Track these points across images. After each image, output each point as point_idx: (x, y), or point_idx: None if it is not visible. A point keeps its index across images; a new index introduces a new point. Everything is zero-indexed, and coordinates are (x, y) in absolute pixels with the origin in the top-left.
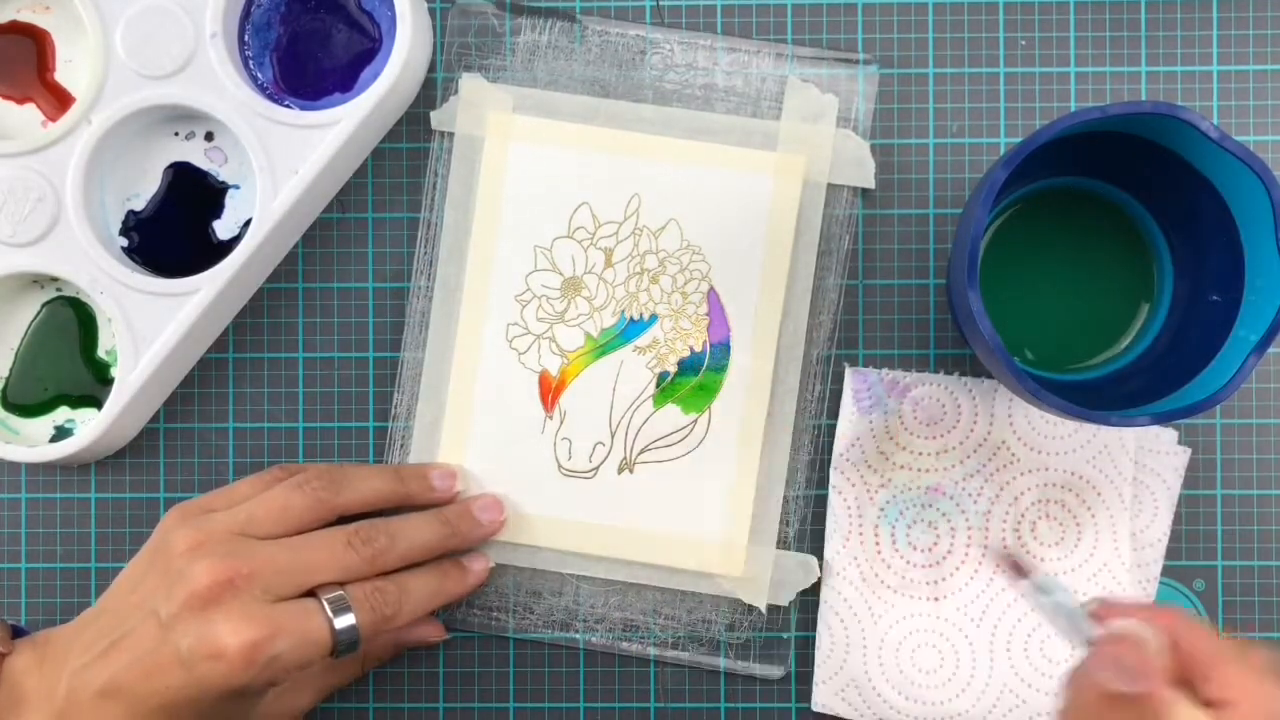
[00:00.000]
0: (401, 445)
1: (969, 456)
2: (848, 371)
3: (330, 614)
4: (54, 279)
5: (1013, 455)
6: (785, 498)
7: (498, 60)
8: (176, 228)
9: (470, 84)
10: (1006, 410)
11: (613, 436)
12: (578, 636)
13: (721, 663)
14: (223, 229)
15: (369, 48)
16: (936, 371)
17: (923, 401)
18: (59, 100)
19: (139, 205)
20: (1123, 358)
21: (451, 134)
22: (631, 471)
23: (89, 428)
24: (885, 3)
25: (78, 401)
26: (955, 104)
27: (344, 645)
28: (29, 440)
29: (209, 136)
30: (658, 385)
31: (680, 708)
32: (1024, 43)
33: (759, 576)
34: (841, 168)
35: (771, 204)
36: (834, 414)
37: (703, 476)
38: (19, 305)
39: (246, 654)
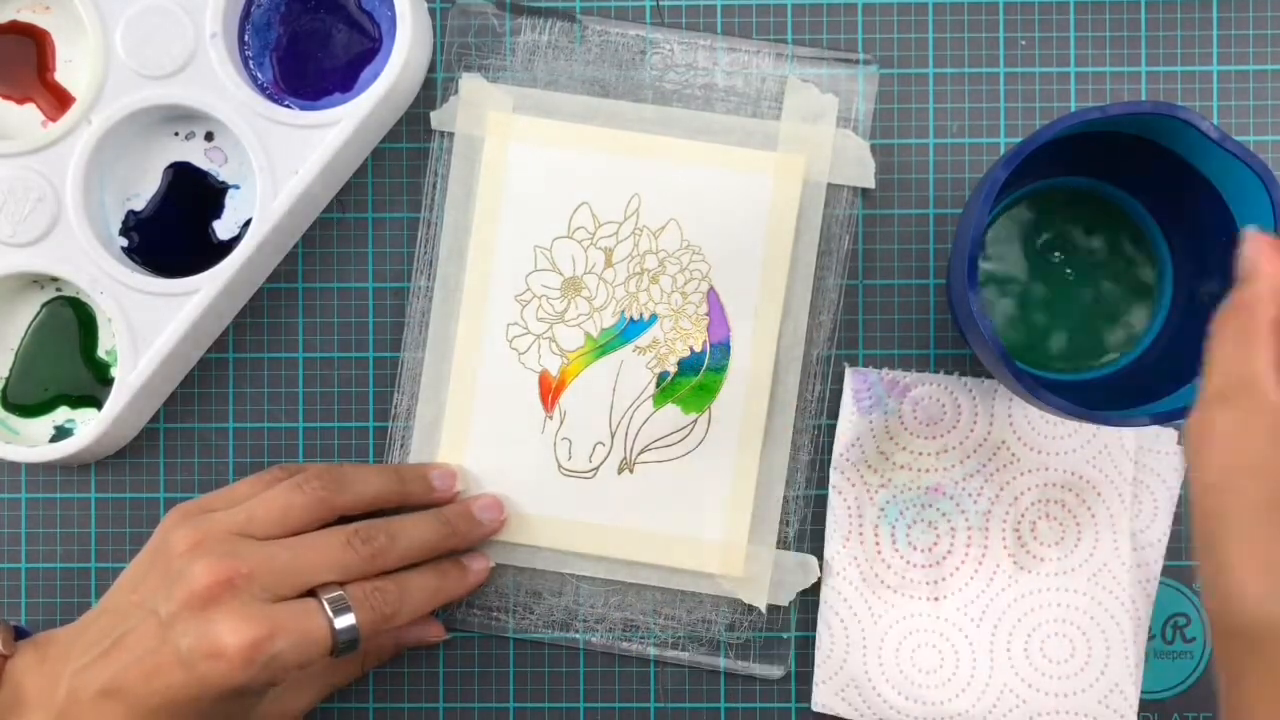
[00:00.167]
0: (401, 445)
1: (969, 456)
2: (848, 371)
3: (330, 613)
4: (54, 279)
5: (1013, 455)
6: (785, 498)
7: (498, 60)
8: (176, 228)
9: (470, 84)
10: (1006, 410)
11: (613, 436)
12: (578, 636)
13: (721, 663)
14: (223, 229)
15: (369, 48)
16: (936, 371)
17: (923, 401)
18: (59, 100)
19: (139, 205)
20: (1123, 358)
21: (451, 134)
22: (631, 471)
23: (89, 428)
24: (885, 3)
25: (78, 401)
26: (955, 104)
27: (344, 645)
28: (29, 440)
29: (209, 136)
30: (658, 385)
31: (680, 708)
32: (1024, 43)
33: (759, 576)
34: (841, 168)
35: (771, 204)
36: (834, 414)
37: (703, 476)
38: (19, 305)
39: (246, 653)
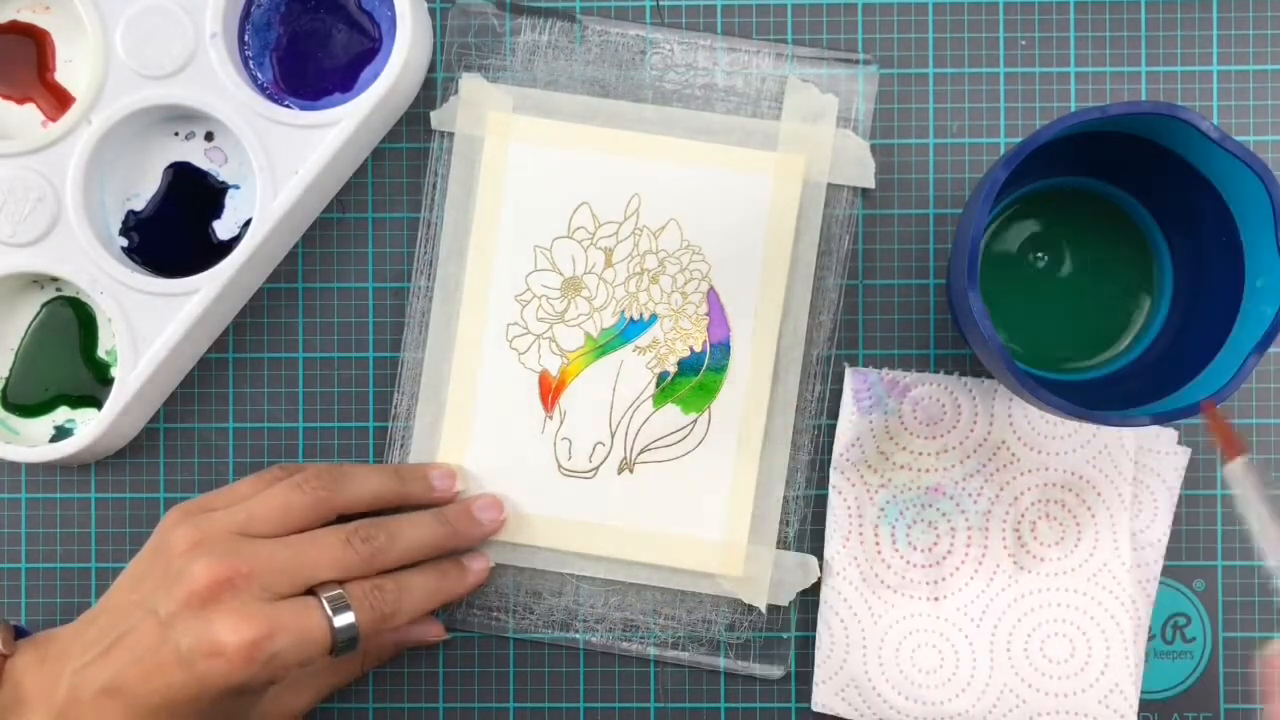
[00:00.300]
0: (401, 445)
1: (969, 456)
2: (848, 371)
3: (329, 612)
4: (54, 279)
5: (1013, 455)
6: (785, 498)
7: (498, 60)
8: (176, 228)
9: (470, 84)
10: (1006, 410)
11: (613, 436)
12: (578, 636)
13: (721, 663)
14: (223, 229)
15: (369, 48)
16: (936, 371)
17: (923, 401)
18: (59, 100)
19: (139, 205)
20: (1123, 358)
21: (451, 134)
22: (631, 471)
23: (89, 428)
24: (885, 3)
25: (78, 401)
26: (955, 104)
27: (343, 644)
28: (29, 440)
29: (209, 136)
30: (658, 385)
31: (680, 708)
32: (1024, 43)
33: (759, 576)
34: (841, 168)
35: (771, 204)
36: (834, 414)
37: (702, 476)
38: (19, 305)
39: (246, 652)
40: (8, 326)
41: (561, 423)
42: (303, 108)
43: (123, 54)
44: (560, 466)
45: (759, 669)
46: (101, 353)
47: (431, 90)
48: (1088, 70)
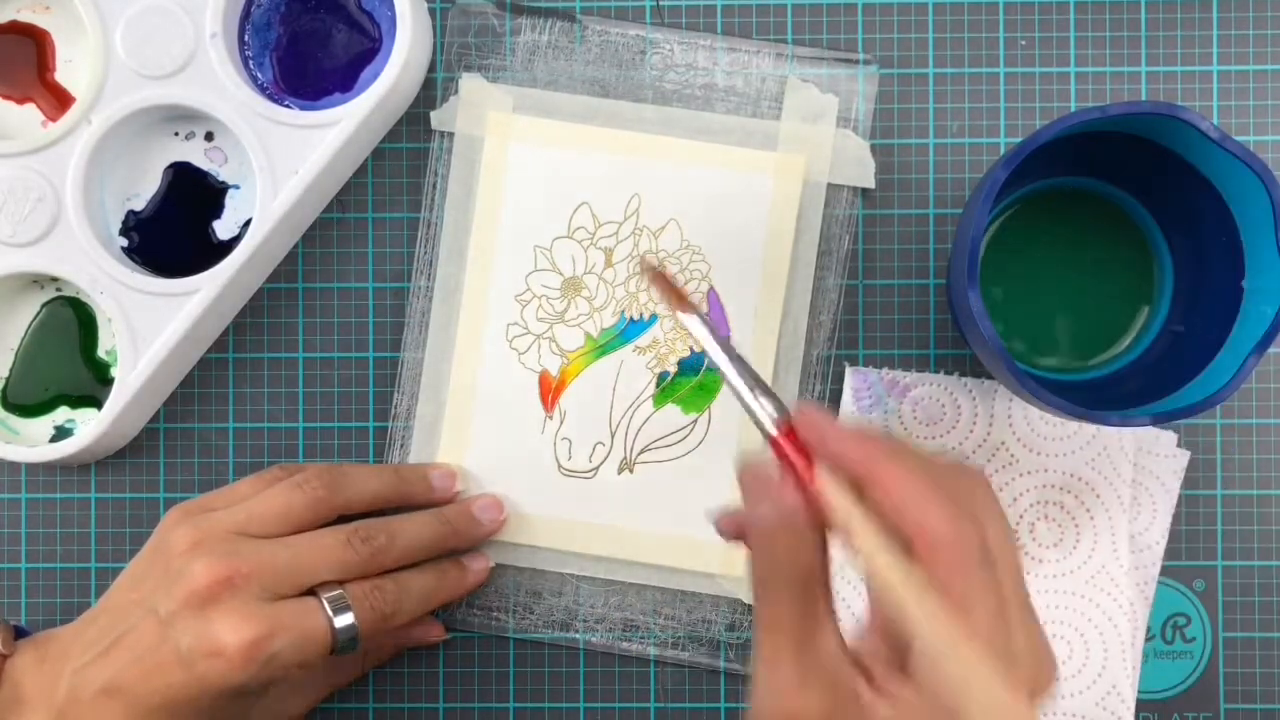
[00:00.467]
0: (401, 445)
1: (969, 457)
2: (848, 371)
3: (329, 612)
4: (54, 279)
5: (1012, 456)
6: None
7: (498, 60)
8: (176, 228)
9: (470, 84)
10: (1006, 410)
11: (613, 436)
12: (578, 636)
13: (721, 663)
14: (223, 229)
15: (369, 48)
16: (936, 371)
17: (923, 401)
18: (59, 100)
19: (139, 205)
20: (1123, 358)
21: (451, 134)
22: (631, 471)
23: (89, 428)
24: (885, 3)
25: (78, 401)
26: (955, 104)
27: (343, 644)
28: (29, 440)
29: (209, 136)
30: (658, 385)
31: (680, 708)
32: (1024, 43)
33: None
34: (841, 168)
35: (771, 204)
36: (834, 414)
37: (703, 476)
38: (19, 305)
39: (246, 652)
40: (8, 326)
41: (561, 423)
42: (303, 108)
43: (123, 54)
44: (560, 466)
45: None
46: (101, 353)
47: (431, 90)
48: (1088, 70)
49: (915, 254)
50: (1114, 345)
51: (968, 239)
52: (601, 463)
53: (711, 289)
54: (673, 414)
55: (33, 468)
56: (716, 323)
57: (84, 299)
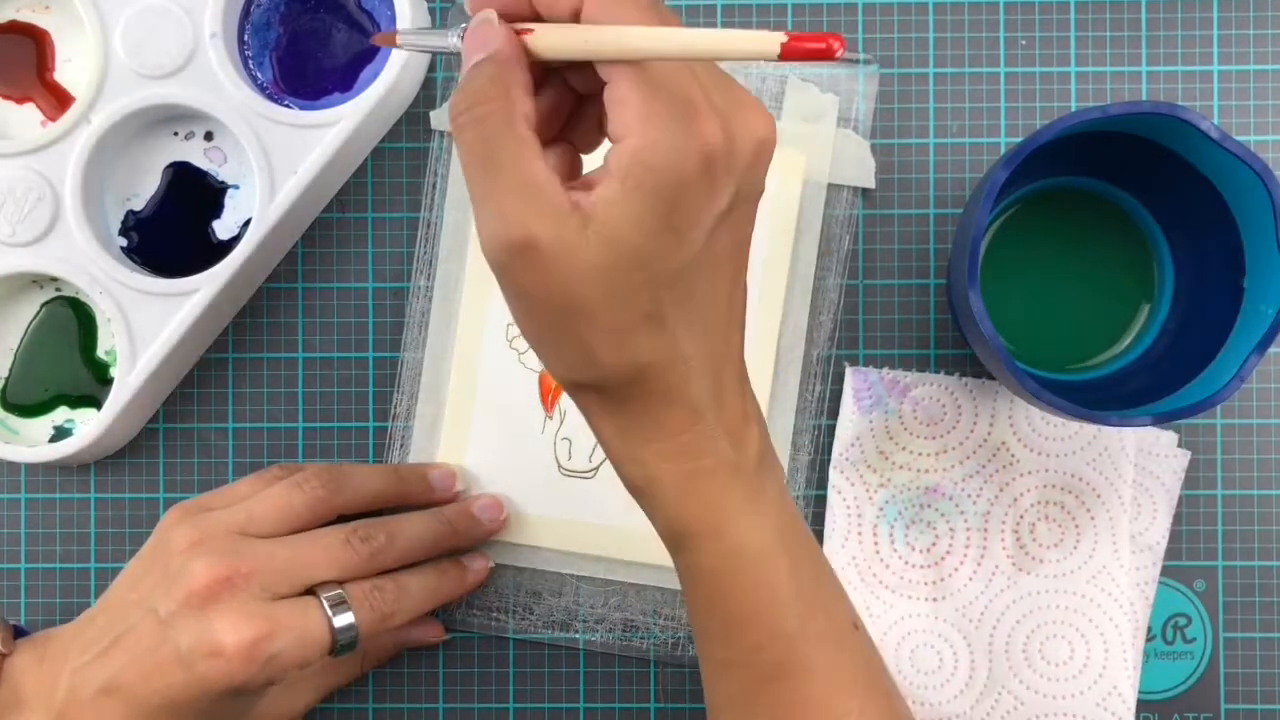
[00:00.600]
0: (401, 445)
1: (969, 457)
2: (848, 371)
3: (329, 612)
4: (53, 279)
5: (1012, 456)
6: None
7: None
8: (176, 228)
9: None
10: (1007, 410)
11: None
12: (578, 636)
13: None
14: (222, 229)
15: (369, 48)
16: (936, 371)
17: (923, 401)
18: (59, 100)
19: (139, 205)
20: (1123, 358)
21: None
22: None
23: (89, 428)
24: (885, 3)
25: (77, 401)
26: (955, 104)
27: (343, 644)
28: (29, 440)
29: (209, 136)
30: None
31: (680, 708)
32: (1024, 43)
33: None
34: (841, 167)
35: (771, 204)
36: (834, 414)
37: None
38: (19, 305)
39: (245, 652)
40: (7, 326)
41: (561, 423)
42: (302, 108)
43: (122, 54)
44: (560, 466)
45: None
46: (101, 353)
47: (431, 90)
48: (1088, 70)
49: (915, 254)
50: (1114, 345)
51: (968, 239)
52: (601, 463)
53: None
54: None
55: (32, 468)
56: None
57: (83, 299)
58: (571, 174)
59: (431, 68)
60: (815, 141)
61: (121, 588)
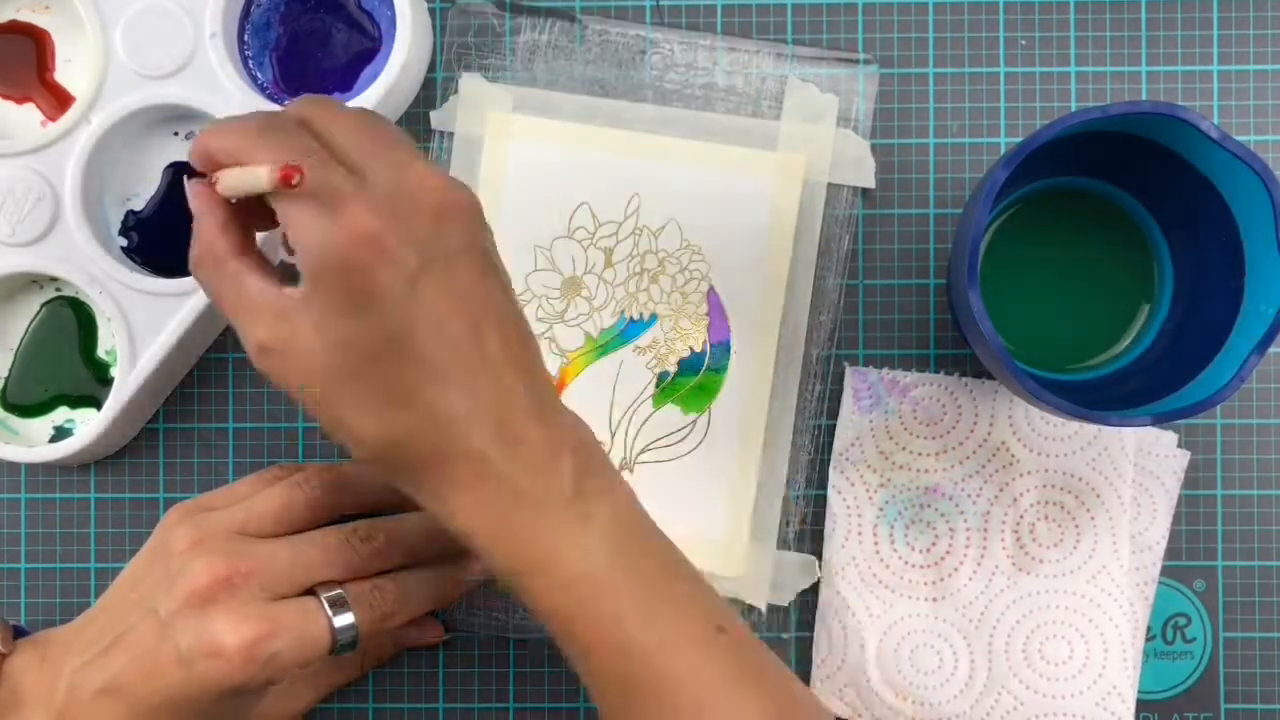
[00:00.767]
0: None
1: (969, 457)
2: (848, 371)
3: (329, 612)
4: (54, 279)
5: (1012, 456)
6: (785, 498)
7: (497, 60)
8: (176, 228)
9: (470, 84)
10: (1006, 410)
11: (613, 436)
12: None
13: None
14: None
15: (369, 48)
16: (936, 371)
17: (923, 401)
18: (59, 100)
19: (139, 205)
20: (1123, 358)
21: (451, 134)
22: (631, 471)
23: (89, 428)
24: (885, 3)
25: (77, 401)
26: (955, 104)
27: (343, 644)
28: (29, 440)
29: None
30: (658, 385)
31: None
32: (1024, 43)
33: (759, 576)
34: (841, 168)
35: (771, 204)
36: (834, 414)
37: (703, 476)
38: (19, 305)
39: (245, 652)
40: (7, 326)
41: None
42: None
43: (122, 54)
44: None
45: None
46: (101, 353)
47: (431, 90)
48: (1088, 70)
49: (915, 254)
50: (1114, 345)
51: (968, 239)
52: None
53: (711, 289)
54: (673, 414)
55: (32, 468)
56: (716, 323)
57: (84, 299)
58: None
59: (431, 68)
60: (815, 141)
61: (121, 588)
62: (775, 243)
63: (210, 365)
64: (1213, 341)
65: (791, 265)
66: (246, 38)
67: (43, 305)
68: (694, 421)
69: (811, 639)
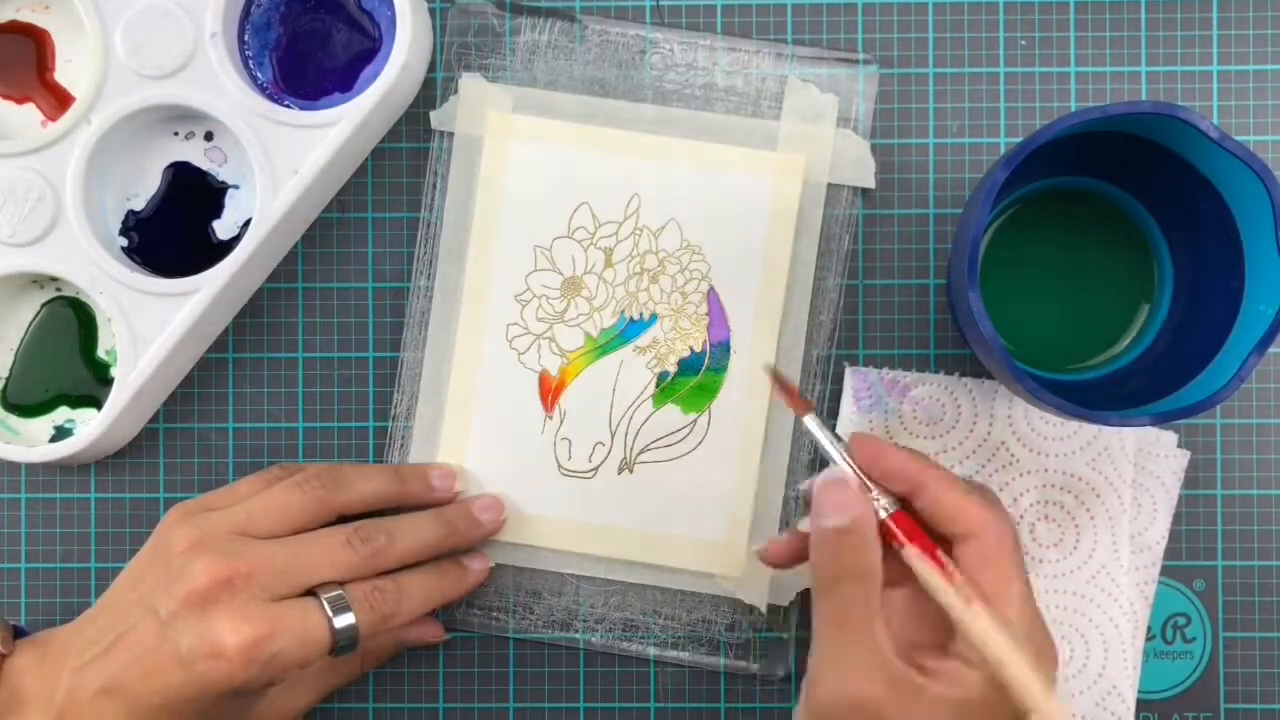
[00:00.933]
0: (401, 445)
1: (969, 457)
2: (848, 371)
3: (329, 613)
4: (54, 279)
5: (1012, 456)
6: (785, 498)
7: (497, 60)
8: (176, 228)
9: (470, 84)
10: (1006, 410)
11: (613, 436)
12: (578, 636)
13: (721, 663)
14: (222, 229)
15: (369, 48)
16: (936, 371)
17: (923, 401)
18: (59, 100)
19: (139, 205)
20: (1123, 358)
21: (451, 134)
22: (631, 471)
23: (89, 428)
24: (885, 3)
25: (78, 401)
26: (955, 104)
27: (343, 644)
28: (29, 440)
29: (209, 136)
30: (658, 385)
31: (680, 708)
32: (1024, 43)
33: (759, 576)
34: (841, 167)
35: (771, 204)
36: (834, 414)
37: (702, 476)
38: (19, 305)
39: (245, 652)
40: (8, 326)
41: (561, 423)
42: (302, 108)
43: (123, 54)
44: (560, 466)
45: (759, 669)
46: (101, 353)
47: (431, 90)
48: (1088, 70)
49: (915, 254)
50: (1114, 345)
51: (968, 239)
52: (601, 463)
53: (711, 289)
54: (673, 414)
55: (33, 468)
56: (716, 323)
57: (84, 299)
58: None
59: (431, 68)
60: (815, 141)
61: (121, 588)
62: (775, 243)
63: (210, 365)
64: (1213, 341)
65: (791, 265)
66: (246, 38)
67: (43, 305)
68: (694, 421)
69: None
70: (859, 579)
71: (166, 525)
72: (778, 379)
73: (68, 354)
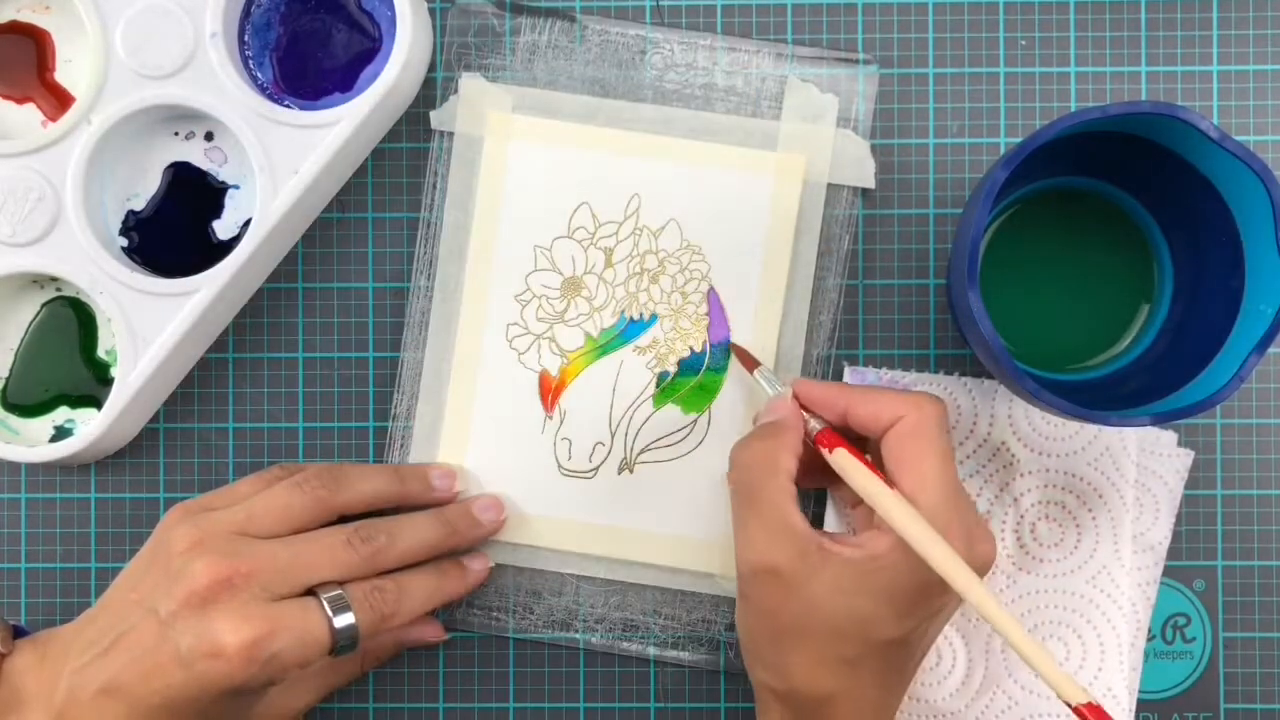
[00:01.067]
0: (401, 445)
1: (969, 457)
2: (847, 371)
3: (329, 612)
4: (54, 279)
5: (1013, 456)
6: None
7: (498, 60)
8: (176, 228)
9: (470, 84)
10: (1006, 410)
11: (613, 436)
12: (578, 636)
13: (721, 663)
14: (222, 229)
15: (369, 48)
16: (936, 371)
17: None
18: (59, 100)
19: (139, 205)
20: (1123, 358)
21: (451, 134)
22: (631, 471)
23: (89, 428)
24: (885, 3)
25: (78, 401)
26: (955, 104)
27: (343, 644)
28: (29, 440)
29: (209, 136)
30: (658, 385)
31: (680, 708)
32: (1024, 43)
33: None
34: (841, 168)
35: (771, 204)
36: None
37: (703, 476)
38: (19, 305)
39: (245, 652)
40: (8, 326)
41: (561, 423)
42: (303, 108)
43: (123, 54)
44: (560, 466)
45: None
46: (101, 353)
47: (431, 90)
48: (1088, 70)
49: (915, 254)
50: (1114, 345)
51: (968, 239)
52: (601, 463)
53: (711, 289)
54: (673, 414)
55: (33, 468)
56: (716, 323)
57: (84, 299)
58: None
59: (431, 68)
60: (815, 142)
61: (122, 588)
62: (775, 243)
63: (210, 365)
64: (1213, 341)
65: (791, 265)
66: (246, 38)
67: (43, 305)
68: (694, 421)
69: None
70: (773, 468)
71: (166, 525)
72: (736, 349)
73: (68, 354)
